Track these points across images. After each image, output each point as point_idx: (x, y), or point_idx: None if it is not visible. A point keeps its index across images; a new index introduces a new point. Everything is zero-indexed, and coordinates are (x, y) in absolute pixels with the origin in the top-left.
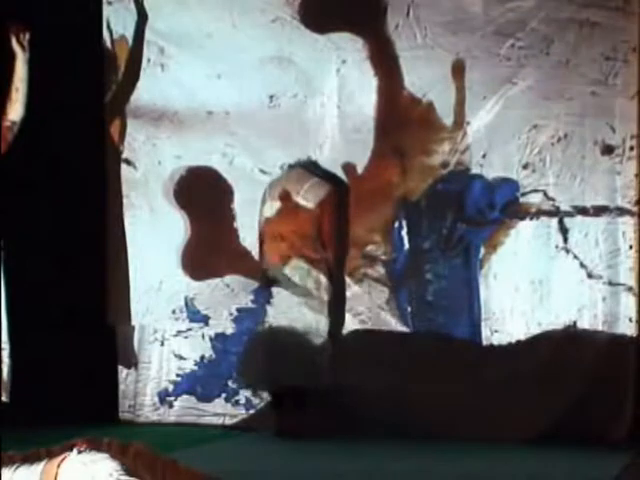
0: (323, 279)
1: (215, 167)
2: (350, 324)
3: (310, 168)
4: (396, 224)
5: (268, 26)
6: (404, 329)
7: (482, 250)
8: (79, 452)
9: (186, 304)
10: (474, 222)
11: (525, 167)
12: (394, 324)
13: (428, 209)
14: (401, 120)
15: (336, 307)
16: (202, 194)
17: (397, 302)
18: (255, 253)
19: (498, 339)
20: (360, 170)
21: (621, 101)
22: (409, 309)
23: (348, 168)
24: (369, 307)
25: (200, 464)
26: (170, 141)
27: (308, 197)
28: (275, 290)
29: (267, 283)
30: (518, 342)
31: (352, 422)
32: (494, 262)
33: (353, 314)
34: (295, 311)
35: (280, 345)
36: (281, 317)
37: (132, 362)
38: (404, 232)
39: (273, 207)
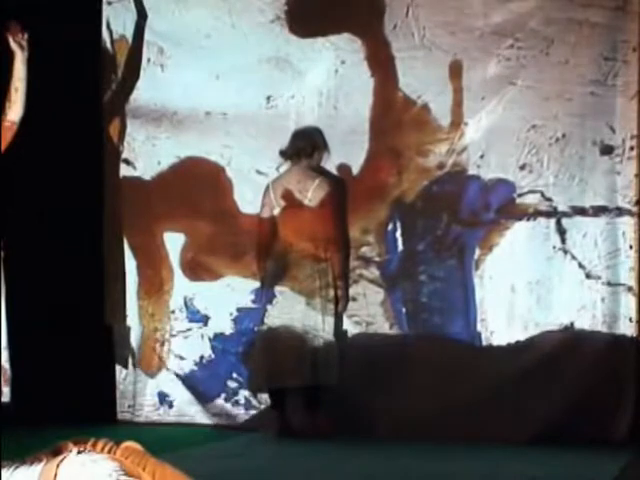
0: (327, 279)
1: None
2: (345, 325)
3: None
4: (390, 225)
5: (267, 26)
6: (400, 330)
7: (477, 251)
8: (78, 452)
9: (185, 304)
10: (469, 223)
11: (523, 168)
12: (389, 325)
13: (423, 210)
14: (398, 121)
15: (340, 308)
16: (201, 193)
17: (392, 303)
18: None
19: (496, 340)
20: (355, 171)
21: (621, 101)
22: (404, 310)
23: (343, 169)
24: (364, 308)
25: (200, 464)
26: (170, 141)
27: (310, 196)
28: (277, 290)
29: (269, 283)
30: (517, 343)
31: (352, 422)
32: (490, 263)
33: (348, 315)
34: (298, 311)
35: (283, 345)
36: (283, 317)
37: (129, 362)
38: (398, 233)
39: (274, 206)
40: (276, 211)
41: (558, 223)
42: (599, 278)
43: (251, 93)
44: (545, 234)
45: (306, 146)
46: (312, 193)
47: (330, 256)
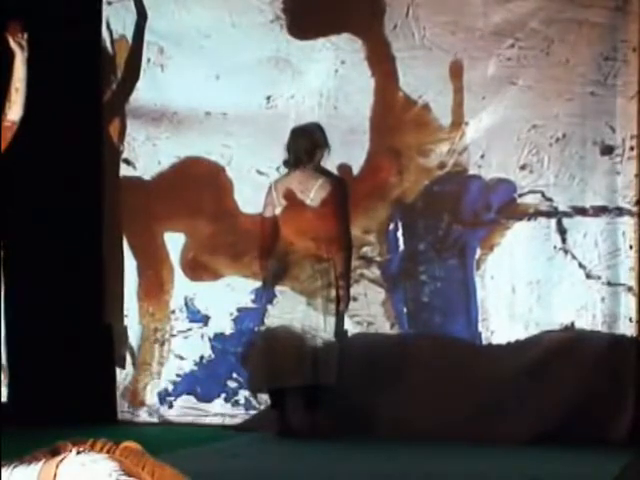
0: (329, 279)
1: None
2: (346, 325)
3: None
4: (391, 225)
5: (267, 26)
6: (401, 330)
7: (478, 251)
8: (78, 452)
9: (186, 304)
10: (470, 223)
11: (524, 168)
12: (390, 325)
13: (424, 210)
14: (398, 121)
15: (342, 307)
16: (201, 193)
17: (393, 303)
18: (256, 253)
19: (497, 339)
20: (356, 171)
21: (621, 101)
22: (405, 310)
23: (343, 169)
24: (365, 308)
25: (200, 464)
26: (170, 141)
27: (312, 196)
28: (278, 290)
29: (270, 282)
30: (517, 342)
31: (352, 422)
32: (491, 263)
33: (349, 315)
34: (299, 311)
35: (283, 345)
36: (284, 317)
37: (129, 362)
38: (399, 233)
39: (277, 206)
40: (278, 211)
41: (559, 223)
42: (599, 278)
43: (251, 93)
44: (546, 234)
45: (307, 146)
46: (314, 193)
47: (332, 256)
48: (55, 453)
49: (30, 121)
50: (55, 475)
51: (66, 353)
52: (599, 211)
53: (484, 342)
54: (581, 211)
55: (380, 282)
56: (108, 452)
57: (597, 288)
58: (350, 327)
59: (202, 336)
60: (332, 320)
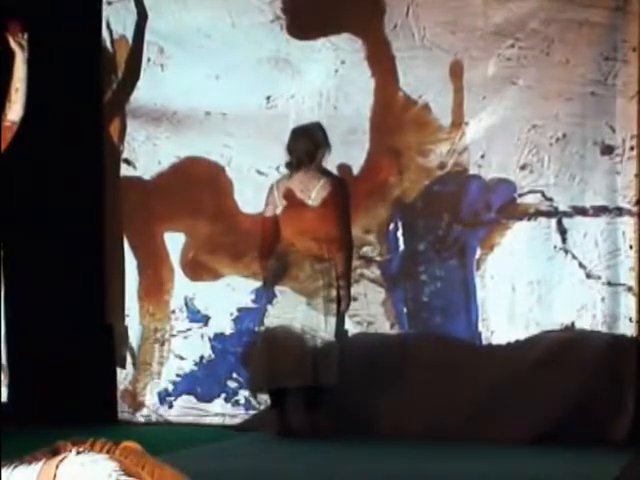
0: (329, 279)
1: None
2: (346, 325)
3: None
4: (391, 225)
5: (267, 26)
6: (401, 330)
7: (478, 251)
8: (78, 452)
9: (186, 304)
10: (470, 223)
11: (524, 167)
12: (390, 325)
13: (424, 210)
14: (398, 121)
15: (343, 307)
16: (201, 193)
17: (393, 303)
18: (256, 252)
19: (497, 339)
20: (356, 171)
21: (621, 101)
22: (405, 310)
23: (343, 169)
24: (365, 308)
25: (200, 464)
26: (170, 141)
27: (313, 196)
28: (278, 290)
29: (271, 282)
30: (517, 342)
31: (352, 422)
32: (491, 263)
33: (349, 315)
34: (299, 311)
35: (284, 345)
36: (284, 317)
37: (129, 362)
38: (399, 233)
39: (278, 205)
40: (279, 211)
41: (559, 223)
42: (599, 278)
43: (251, 93)
44: (546, 234)
45: (309, 147)
46: (315, 193)
47: (332, 256)
48: (55, 453)
49: (30, 121)
50: (55, 475)
51: (66, 353)
52: (599, 211)
53: (484, 342)
54: (581, 211)
55: (380, 282)
56: (108, 452)
57: (597, 288)
58: (350, 327)
59: (202, 336)
60: (332, 320)
